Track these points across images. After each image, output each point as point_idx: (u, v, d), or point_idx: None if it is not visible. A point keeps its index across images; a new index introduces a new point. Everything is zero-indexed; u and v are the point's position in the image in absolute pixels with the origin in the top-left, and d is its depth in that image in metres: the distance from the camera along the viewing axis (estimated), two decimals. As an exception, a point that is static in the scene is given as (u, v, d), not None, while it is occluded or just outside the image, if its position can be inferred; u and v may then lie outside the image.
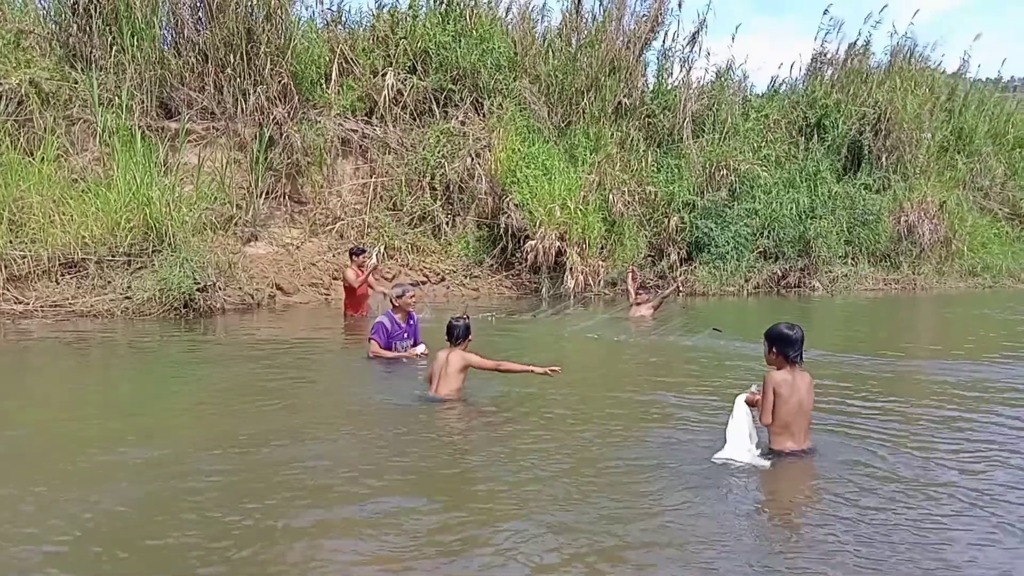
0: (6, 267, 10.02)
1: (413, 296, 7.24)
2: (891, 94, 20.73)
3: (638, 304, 11.55)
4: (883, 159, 20.69)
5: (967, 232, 21.62)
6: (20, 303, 9.93)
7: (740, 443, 4.19)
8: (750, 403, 4.33)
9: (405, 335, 7.18)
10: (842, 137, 20.08)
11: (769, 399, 4.15)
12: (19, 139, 11.26)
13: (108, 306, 10.08)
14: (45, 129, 11.47)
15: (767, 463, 4.08)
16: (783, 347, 4.20)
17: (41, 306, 9.95)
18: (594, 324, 10.82)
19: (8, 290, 10.02)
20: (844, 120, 20.07)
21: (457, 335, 5.57)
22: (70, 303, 10.07)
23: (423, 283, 14.34)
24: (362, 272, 10.13)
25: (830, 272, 18.39)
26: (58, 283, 10.35)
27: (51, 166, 11.01)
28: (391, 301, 7.23)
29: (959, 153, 22.95)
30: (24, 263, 10.14)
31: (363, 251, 10.40)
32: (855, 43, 21.56)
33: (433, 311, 11.10)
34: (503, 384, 6.00)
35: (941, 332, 12.39)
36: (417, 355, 7.12)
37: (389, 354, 7.03)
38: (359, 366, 7.15)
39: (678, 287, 13.71)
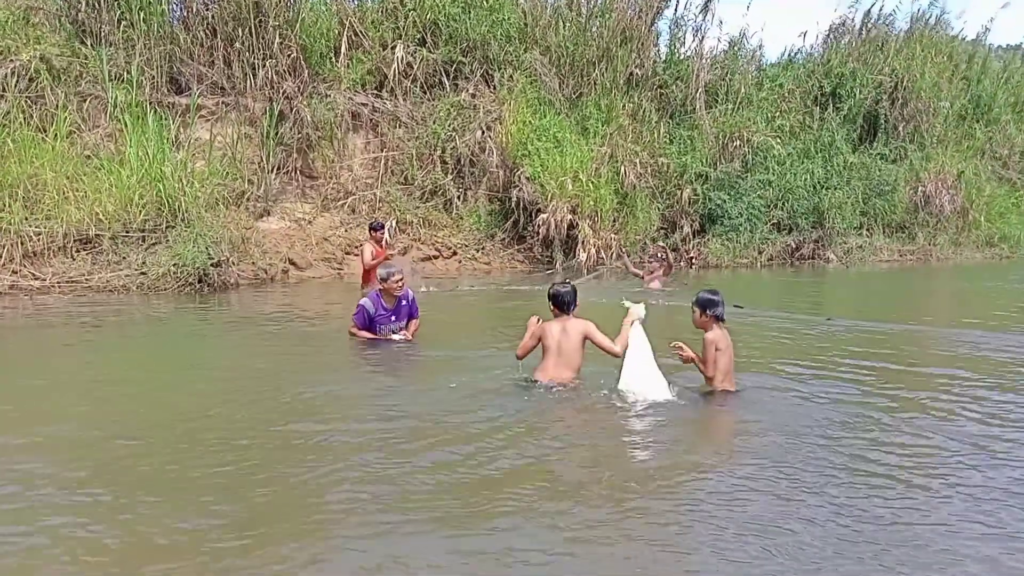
0: (22, 243, 10.09)
1: (400, 281, 6.77)
2: (909, 62, 20.38)
3: (650, 274, 11.59)
4: (900, 128, 20.40)
5: (984, 202, 21.37)
6: (37, 279, 10.02)
7: (648, 377, 4.75)
8: (685, 360, 4.90)
9: (392, 318, 6.82)
10: (858, 106, 19.79)
11: (712, 355, 4.79)
12: (32, 116, 11.27)
13: (124, 282, 10.15)
14: (57, 105, 11.48)
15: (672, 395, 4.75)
16: (712, 309, 4.84)
17: (58, 282, 10.03)
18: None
19: (25, 266, 10.11)
20: (860, 89, 19.76)
21: (569, 301, 5.05)
22: (86, 279, 10.15)
23: (435, 257, 14.35)
24: (381, 249, 10.09)
25: (845, 244, 18.27)
26: (74, 259, 10.43)
27: (64, 143, 11.03)
28: (379, 282, 6.87)
29: (977, 122, 22.62)
30: (39, 239, 10.21)
31: (382, 226, 10.32)
32: (870, 10, 21.19)
33: (432, 287, 11.14)
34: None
35: (954, 302, 12.30)
36: (398, 340, 6.76)
37: (369, 335, 6.74)
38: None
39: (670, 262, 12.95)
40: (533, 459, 3.84)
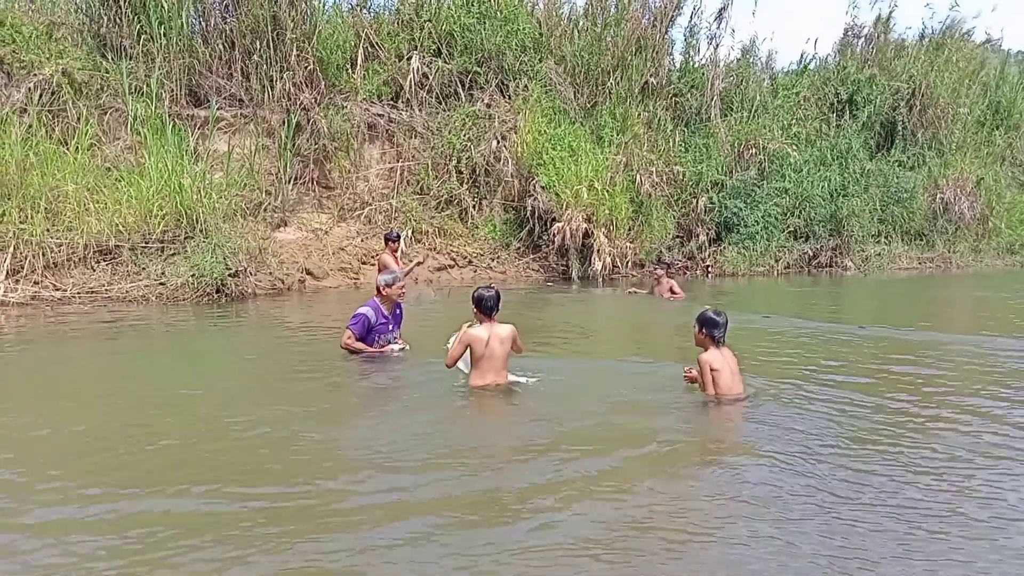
0: (44, 254, 10.24)
1: (403, 287, 6.66)
2: (927, 68, 20.24)
3: (658, 283, 11.64)
4: (918, 135, 20.26)
5: (1005, 209, 21.14)
6: (58, 290, 10.15)
7: None
8: (692, 381, 5.00)
9: (390, 327, 6.61)
10: (875, 113, 19.66)
11: (708, 376, 4.83)
12: (54, 129, 11.47)
13: (143, 292, 10.27)
14: (78, 118, 11.67)
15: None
16: (711, 329, 4.87)
17: (78, 292, 10.16)
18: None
19: (46, 277, 10.25)
20: (878, 96, 19.64)
21: (492, 306, 5.20)
22: (106, 289, 10.28)
23: (450, 267, 14.40)
24: (398, 260, 10.13)
25: (862, 251, 18.12)
26: (94, 270, 10.56)
27: (85, 155, 11.20)
28: (379, 289, 6.59)
29: (997, 128, 22.39)
30: (61, 250, 10.36)
31: (398, 236, 10.37)
32: (889, 16, 21.07)
33: (438, 293, 11.14)
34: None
35: (973, 309, 12.15)
36: (394, 352, 6.52)
37: (367, 349, 6.43)
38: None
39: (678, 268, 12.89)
40: (537, 471, 3.81)
